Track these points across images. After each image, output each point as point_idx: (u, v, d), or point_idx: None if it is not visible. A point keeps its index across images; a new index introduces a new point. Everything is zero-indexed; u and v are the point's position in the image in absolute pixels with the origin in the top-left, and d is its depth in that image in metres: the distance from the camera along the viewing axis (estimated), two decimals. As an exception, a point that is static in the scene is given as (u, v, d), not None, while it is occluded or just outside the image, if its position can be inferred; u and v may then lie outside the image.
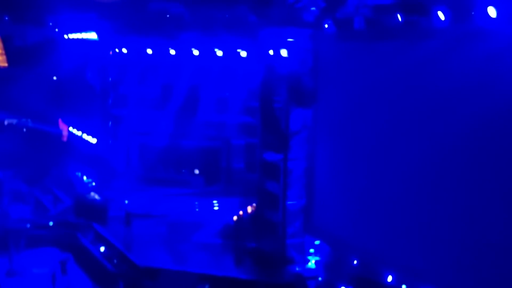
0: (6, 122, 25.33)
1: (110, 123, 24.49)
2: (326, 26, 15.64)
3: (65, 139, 26.64)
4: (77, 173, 24.80)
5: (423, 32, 12.98)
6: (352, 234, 15.50)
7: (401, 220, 13.90)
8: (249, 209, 19.23)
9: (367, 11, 14.51)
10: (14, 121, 25.10)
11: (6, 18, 20.66)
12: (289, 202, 16.91)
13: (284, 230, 16.86)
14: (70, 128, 26.36)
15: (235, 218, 19.85)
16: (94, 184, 23.46)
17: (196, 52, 21.38)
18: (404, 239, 13.80)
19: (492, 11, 11.09)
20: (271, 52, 16.72)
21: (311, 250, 16.90)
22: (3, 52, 24.11)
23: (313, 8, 15.73)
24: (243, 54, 19.92)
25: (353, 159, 15.54)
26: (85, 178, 24.26)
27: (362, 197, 15.17)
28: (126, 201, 21.73)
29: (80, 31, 23.09)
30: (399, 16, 13.39)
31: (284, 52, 16.36)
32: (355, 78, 15.30)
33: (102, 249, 18.49)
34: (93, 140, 24.76)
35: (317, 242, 16.91)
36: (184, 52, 21.72)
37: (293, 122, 16.70)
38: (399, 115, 13.77)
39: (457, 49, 12.15)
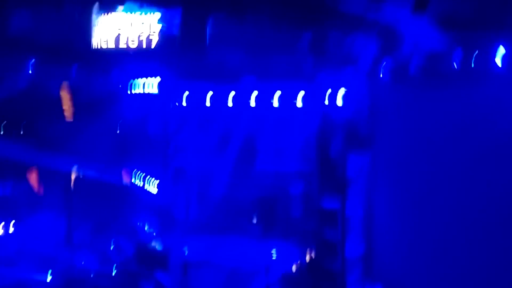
0: (72, 173, 26.20)
1: (171, 172, 24.96)
2: (382, 71, 15.69)
3: (128, 189, 27.25)
4: (139, 222, 25.28)
5: (481, 75, 12.87)
6: (415, 282, 15.16)
7: (468, 267, 13.52)
8: (307, 257, 19.05)
9: (423, 56, 14.50)
10: (80, 171, 25.94)
11: (74, 74, 21.77)
12: (348, 251, 16.70)
13: (344, 279, 16.60)
14: (133, 179, 27.01)
15: (293, 267, 19.68)
16: (155, 232, 23.81)
17: (254, 100, 21.70)
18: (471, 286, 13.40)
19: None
20: (327, 98, 16.86)
21: (372, 299, 16.54)
22: (71, 106, 25.17)
23: (368, 54, 15.83)
24: (299, 102, 20.09)
25: (413, 205, 15.32)
26: (146, 226, 24.67)
27: (424, 243, 14.89)
28: (186, 250, 21.92)
29: (142, 83, 23.88)
30: (456, 60, 13.33)
31: (340, 98, 16.46)
32: (412, 124, 15.22)
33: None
34: (155, 190, 25.27)
35: (377, 291, 16.56)
36: (242, 99, 22.07)
37: (351, 169, 16.64)
38: (458, 160, 13.57)
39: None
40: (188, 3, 11.99)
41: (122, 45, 21.75)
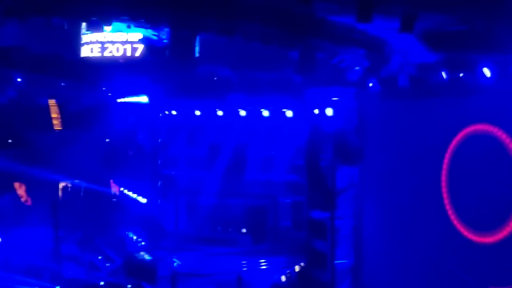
0: (60, 184, 26.10)
1: (160, 183, 24.95)
2: (371, 84, 15.85)
3: (116, 199, 27.19)
4: (127, 233, 25.20)
5: (468, 88, 13.06)
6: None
7: (457, 279, 13.65)
8: (297, 268, 19.11)
9: (411, 69, 14.67)
10: (67, 182, 25.85)
11: (63, 84, 21.76)
12: (337, 261, 16.79)
13: (333, 290, 16.70)
14: (121, 189, 26.95)
15: (283, 277, 19.72)
16: (144, 243, 23.74)
17: (243, 113, 21.83)
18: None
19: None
20: (316, 111, 16.98)
21: (361, 310, 16.63)
22: (59, 116, 25.10)
23: (357, 68, 15.97)
24: (289, 113, 20.27)
25: (402, 216, 15.44)
26: (135, 237, 24.60)
27: (413, 255, 15.00)
28: (175, 261, 21.88)
29: (131, 95, 23.93)
30: (443, 73, 13.50)
31: (329, 111, 16.59)
32: (401, 135, 15.40)
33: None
34: (143, 200, 25.23)
35: (367, 302, 16.65)
36: (231, 113, 22.20)
37: (340, 180, 16.77)
38: (447, 172, 13.72)
39: (504, 105, 12.18)
40: (176, 20, 12.02)
41: (110, 58, 21.96)
